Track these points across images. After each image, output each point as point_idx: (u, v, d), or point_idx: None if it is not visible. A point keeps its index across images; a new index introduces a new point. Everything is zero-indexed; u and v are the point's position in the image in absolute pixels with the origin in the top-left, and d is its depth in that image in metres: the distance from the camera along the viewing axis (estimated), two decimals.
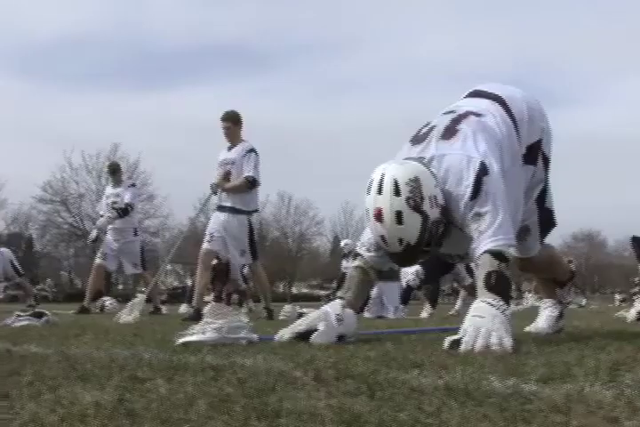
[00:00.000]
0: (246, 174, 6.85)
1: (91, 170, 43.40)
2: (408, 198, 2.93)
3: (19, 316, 5.48)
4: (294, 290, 53.98)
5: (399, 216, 2.93)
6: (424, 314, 9.77)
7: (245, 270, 11.49)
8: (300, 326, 3.19)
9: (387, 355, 2.46)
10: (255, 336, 3.20)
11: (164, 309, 10.57)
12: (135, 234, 9.89)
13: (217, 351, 2.56)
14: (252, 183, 6.88)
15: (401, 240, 2.98)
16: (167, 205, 44.21)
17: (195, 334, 3.02)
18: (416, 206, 2.93)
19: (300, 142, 66.21)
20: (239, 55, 75.91)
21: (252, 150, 6.93)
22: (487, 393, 1.50)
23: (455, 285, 12.61)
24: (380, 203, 2.96)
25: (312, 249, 55.77)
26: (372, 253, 3.34)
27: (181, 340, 2.99)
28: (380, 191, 2.97)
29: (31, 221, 46.64)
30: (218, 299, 12.92)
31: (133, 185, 10.57)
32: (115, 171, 10.26)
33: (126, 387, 1.59)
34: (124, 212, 9.47)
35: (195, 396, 1.47)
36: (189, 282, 44.11)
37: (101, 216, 10.02)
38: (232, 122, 7.04)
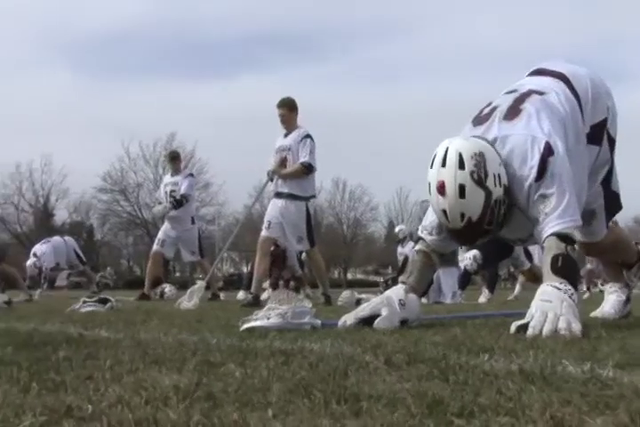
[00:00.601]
0: (302, 160, 6.85)
1: (148, 159, 44.44)
2: (472, 172, 2.87)
3: (85, 302, 5.64)
4: (349, 276, 54.10)
5: (462, 189, 2.87)
6: (482, 299, 9.67)
7: (303, 256, 11.54)
8: (362, 311, 3.19)
9: (454, 339, 2.44)
10: (318, 322, 3.21)
11: (221, 295, 10.70)
12: (193, 222, 10.02)
13: (283, 336, 2.58)
14: (308, 169, 6.88)
15: (463, 215, 2.91)
16: (222, 193, 44.89)
17: (259, 320, 3.05)
18: (479, 181, 2.88)
19: (353, 128, 65.95)
20: (293, 42, 75.78)
21: (307, 136, 6.93)
22: (564, 378, 1.48)
23: (512, 269, 12.45)
24: (444, 176, 2.91)
25: (367, 235, 55.70)
26: (434, 237, 3.31)
27: (246, 325, 3.02)
28: (443, 164, 2.92)
29: (92, 210, 47.82)
30: (275, 285, 13.03)
31: (191, 175, 10.68)
32: (173, 158, 10.43)
33: (202, 371, 1.61)
34: (178, 203, 9.58)
35: (269, 380, 1.48)
36: (245, 269, 44.71)
37: (159, 204, 10.17)
38: (287, 108, 7.05)
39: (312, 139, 6.95)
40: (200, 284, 6.99)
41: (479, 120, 3.21)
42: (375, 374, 1.59)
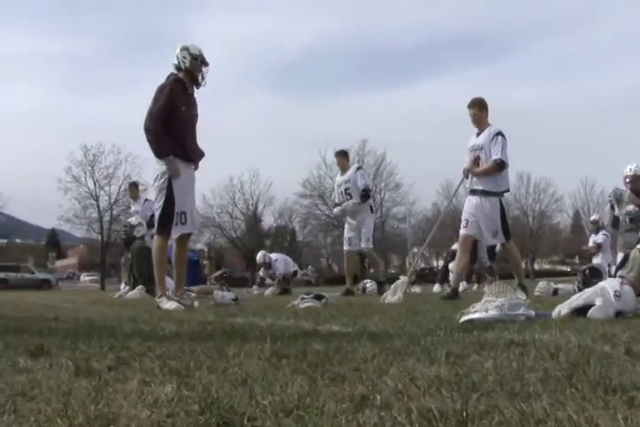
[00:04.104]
0: (494, 157, 6.67)
1: None
2: None
3: (303, 298, 5.86)
4: (536, 266, 52.29)
5: None
6: None
7: (497, 249, 11.22)
8: (577, 300, 3.06)
9: None
10: (532, 312, 3.12)
11: (417, 289, 10.67)
12: (372, 211, 9.86)
13: (508, 328, 2.52)
14: (500, 165, 6.68)
15: None
16: (412, 192, 45.24)
17: (477, 312, 3.01)
18: None
19: (533, 122, 63.57)
20: (470, 44, 74.42)
21: (498, 134, 6.72)
22: None
23: None
24: None
25: (552, 225, 53.74)
26: None
27: (465, 317, 2.99)
28: None
29: (294, 214, 49.81)
30: (468, 277, 12.81)
31: (360, 168, 10.11)
32: (340, 154, 10.08)
33: (454, 362, 1.61)
34: (366, 197, 9.48)
35: (520, 370, 1.45)
36: (435, 263, 44.36)
37: (337, 205, 9.80)
38: (478, 108, 6.88)
39: (503, 136, 6.73)
40: (403, 279, 7.01)
41: None
42: (619, 364, 1.52)
